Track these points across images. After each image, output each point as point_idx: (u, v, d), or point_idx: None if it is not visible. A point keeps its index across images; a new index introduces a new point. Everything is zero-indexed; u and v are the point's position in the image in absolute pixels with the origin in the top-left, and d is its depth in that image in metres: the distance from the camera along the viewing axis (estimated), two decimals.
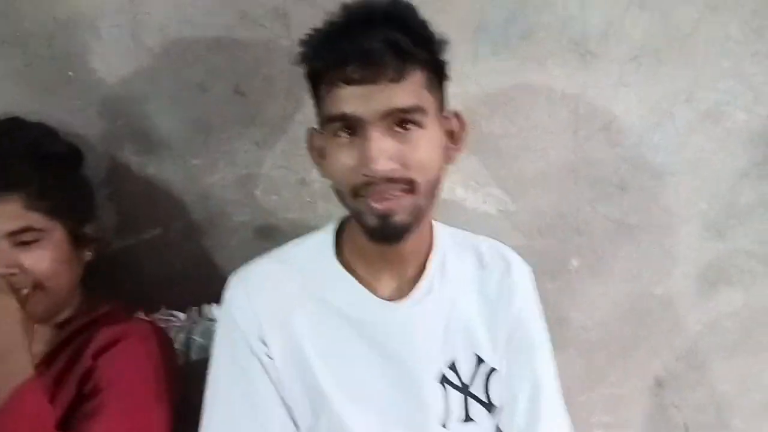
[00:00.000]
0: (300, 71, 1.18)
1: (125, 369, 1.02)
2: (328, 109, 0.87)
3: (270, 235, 1.32)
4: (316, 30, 0.88)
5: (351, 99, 0.84)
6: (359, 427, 0.93)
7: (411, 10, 0.87)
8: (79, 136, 1.19)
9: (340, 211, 1.31)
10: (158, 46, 1.16)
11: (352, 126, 0.86)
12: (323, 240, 0.99)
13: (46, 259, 1.02)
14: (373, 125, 0.84)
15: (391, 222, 0.87)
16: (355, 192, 0.88)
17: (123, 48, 1.15)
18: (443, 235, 1.01)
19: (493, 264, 1.03)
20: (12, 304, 0.97)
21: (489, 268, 1.02)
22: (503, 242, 1.09)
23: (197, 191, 1.27)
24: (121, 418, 0.98)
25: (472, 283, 1.01)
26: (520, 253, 1.08)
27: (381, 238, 0.89)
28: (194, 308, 1.29)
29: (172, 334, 1.24)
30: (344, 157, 0.87)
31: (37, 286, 1.02)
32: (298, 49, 0.89)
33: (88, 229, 1.10)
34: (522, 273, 1.04)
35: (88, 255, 1.11)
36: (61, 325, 1.08)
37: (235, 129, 1.23)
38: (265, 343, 0.94)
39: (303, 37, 0.88)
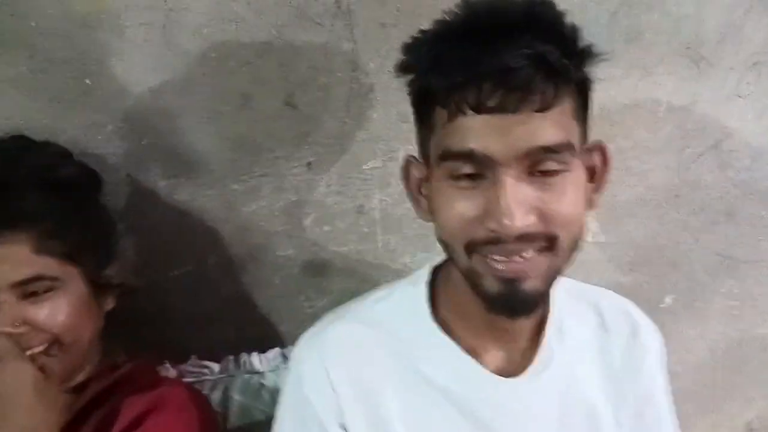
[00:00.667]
0: (362, 79, 1.00)
1: None
2: (445, 141, 0.66)
3: (320, 272, 1.13)
4: (429, 33, 0.67)
5: (481, 132, 0.63)
6: None
7: (558, 12, 0.66)
8: (96, 156, 0.98)
9: (404, 246, 1.13)
10: (195, 49, 0.95)
11: (477, 165, 0.65)
12: (415, 295, 0.79)
13: (61, 313, 0.83)
14: (508, 167, 0.64)
15: (520, 289, 0.67)
16: (472, 248, 0.68)
17: (152, 51, 0.94)
18: (558, 289, 0.82)
19: (617, 325, 0.83)
20: (27, 370, 0.78)
21: (612, 330, 0.83)
22: (589, 278, 0.90)
23: (236, 221, 1.07)
24: None
25: (592, 349, 0.82)
26: (607, 288, 0.89)
27: (505, 309, 0.69)
28: (231, 358, 1.09)
29: (205, 391, 1.04)
30: (463, 204, 0.66)
31: (52, 345, 0.83)
32: (398, 58, 0.69)
33: (110, 272, 0.90)
34: (651, 336, 0.85)
35: (109, 304, 0.91)
36: (77, 389, 0.88)
37: (283, 148, 1.03)
38: (345, 429, 0.75)
39: (408, 40, 0.68)
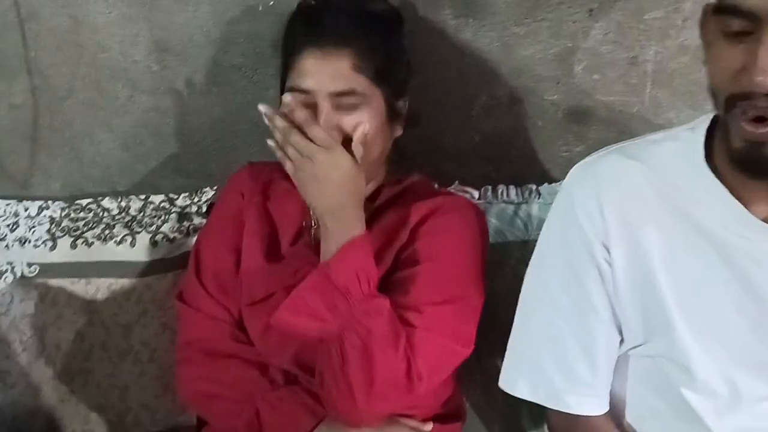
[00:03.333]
0: None
1: (444, 241, 0.97)
2: None
3: (582, 119, 1.18)
4: None
5: None
6: (701, 362, 0.81)
7: None
8: None
9: (671, 101, 1.14)
10: None
11: (749, 21, 0.68)
12: (690, 141, 0.83)
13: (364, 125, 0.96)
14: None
15: (764, 153, 0.71)
16: (731, 102, 0.72)
17: None
18: None
19: None
20: (346, 158, 0.92)
21: None
22: None
23: (511, 63, 1.15)
24: (438, 289, 0.94)
25: None
26: None
27: (746, 169, 0.75)
28: (489, 188, 1.21)
29: None
30: (727, 57, 0.71)
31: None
32: None
33: (402, 102, 1.03)
34: None
35: (397, 131, 1.03)
36: (369, 198, 1.04)
37: None
38: (607, 249, 0.83)
39: None
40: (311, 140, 0.91)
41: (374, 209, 1.02)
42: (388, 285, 0.95)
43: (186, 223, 1.28)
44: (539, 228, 1.16)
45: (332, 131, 0.94)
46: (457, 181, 1.20)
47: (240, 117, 1.27)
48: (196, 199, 1.31)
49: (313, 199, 0.93)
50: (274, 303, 0.95)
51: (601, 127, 1.18)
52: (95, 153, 1.34)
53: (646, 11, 1.06)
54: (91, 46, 1.24)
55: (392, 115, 1.00)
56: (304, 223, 1.04)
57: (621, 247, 0.83)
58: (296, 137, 0.91)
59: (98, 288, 1.26)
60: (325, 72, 0.94)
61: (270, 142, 0.93)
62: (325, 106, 0.94)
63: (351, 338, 0.89)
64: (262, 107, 0.93)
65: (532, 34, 1.11)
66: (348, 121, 0.95)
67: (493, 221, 1.18)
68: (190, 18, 1.18)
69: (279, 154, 0.94)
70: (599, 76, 1.13)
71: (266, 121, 0.92)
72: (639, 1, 1.06)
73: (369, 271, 0.90)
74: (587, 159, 0.89)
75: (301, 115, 0.91)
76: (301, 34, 0.97)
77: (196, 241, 1.12)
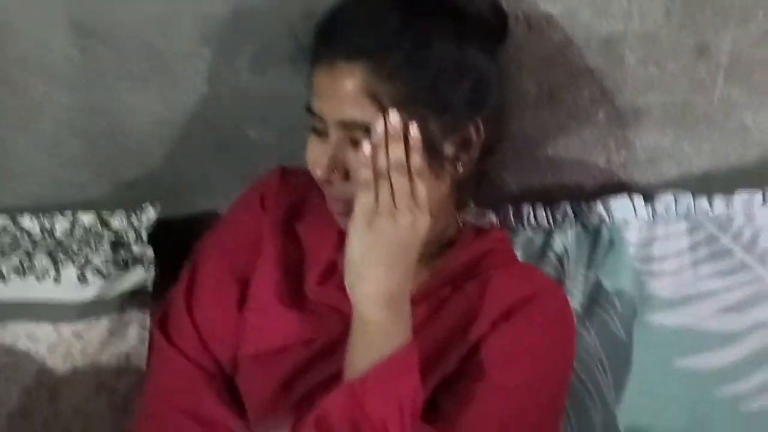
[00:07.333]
0: None
1: (537, 354, 0.73)
2: None
3: (628, 122, 0.92)
4: None
5: None
6: None
7: None
8: None
9: (747, 100, 0.88)
10: None
11: None
12: None
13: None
14: None
15: None
16: None
17: None
18: None
19: None
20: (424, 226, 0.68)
21: None
22: None
23: (540, 51, 0.87)
24: (511, 420, 0.71)
25: None
26: None
27: None
28: (509, 207, 0.97)
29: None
30: None
31: None
32: None
33: (461, 136, 0.72)
34: None
35: (457, 170, 0.73)
36: (428, 263, 0.78)
37: None
38: None
39: None
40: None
41: (442, 280, 0.77)
42: (443, 390, 0.71)
43: (123, 253, 1.02)
44: (578, 265, 0.94)
45: (333, 174, 0.71)
46: (471, 202, 0.94)
47: (189, 115, 0.99)
48: (134, 221, 1.04)
49: (366, 271, 0.67)
50: (286, 360, 0.76)
51: (652, 131, 0.92)
52: (9, 159, 1.07)
53: None
54: None
55: (435, 156, 0.70)
56: (339, 259, 0.76)
57: None
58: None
59: (17, 336, 1.00)
60: (332, 94, 0.70)
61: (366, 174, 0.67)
62: (333, 138, 0.70)
63: None
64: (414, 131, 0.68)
65: (570, 16, 0.84)
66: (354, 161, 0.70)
67: (518, 255, 0.93)
68: None
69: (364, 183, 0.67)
70: (656, 69, 0.87)
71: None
72: None
73: (415, 399, 0.66)
74: None
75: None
76: (316, 42, 0.73)
77: (194, 254, 0.85)
